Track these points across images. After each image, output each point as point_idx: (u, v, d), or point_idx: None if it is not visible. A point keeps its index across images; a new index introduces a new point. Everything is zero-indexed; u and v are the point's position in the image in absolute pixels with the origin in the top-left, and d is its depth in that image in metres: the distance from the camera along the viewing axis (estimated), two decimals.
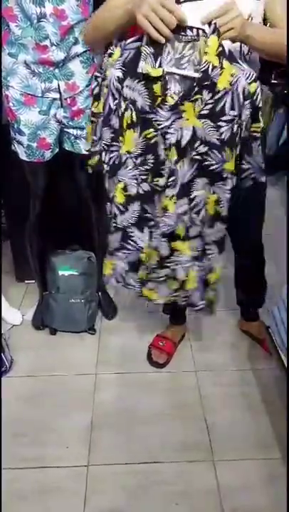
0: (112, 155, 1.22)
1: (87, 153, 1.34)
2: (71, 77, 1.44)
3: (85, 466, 1.37)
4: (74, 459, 1.39)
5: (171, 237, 1.26)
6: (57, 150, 1.58)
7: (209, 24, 1.01)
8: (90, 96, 1.25)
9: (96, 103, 1.21)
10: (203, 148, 1.14)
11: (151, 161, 1.17)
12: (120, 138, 1.18)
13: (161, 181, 1.18)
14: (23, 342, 1.86)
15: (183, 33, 1.06)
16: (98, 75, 1.18)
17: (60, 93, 1.46)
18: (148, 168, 1.18)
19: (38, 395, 1.61)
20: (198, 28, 1.04)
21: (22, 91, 1.44)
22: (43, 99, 1.46)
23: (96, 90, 1.20)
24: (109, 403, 1.59)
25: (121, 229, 1.28)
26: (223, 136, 1.12)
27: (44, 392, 1.63)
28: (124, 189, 1.22)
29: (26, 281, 2.18)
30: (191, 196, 1.20)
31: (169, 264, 1.30)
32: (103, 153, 1.24)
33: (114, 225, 1.29)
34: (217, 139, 1.12)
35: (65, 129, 1.55)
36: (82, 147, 1.55)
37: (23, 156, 1.57)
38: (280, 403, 1.53)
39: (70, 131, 1.55)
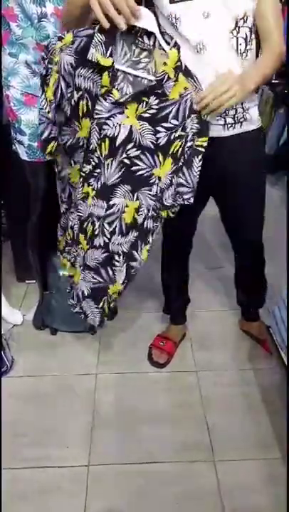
0: (63, 137, 1.21)
1: None
2: None
3: (85, 466, 1.37)
4: (74, 459, 1.39)
5: (81, 226, 1.27)
6: None
7: (168, 41, 1.05)
8: None
9: (44, 86, 1.15)
10: (134, 152, 1.14)
11: (86, 147, 1.17)
12: (76, 124, 1.17)
13: (87, 168, 1.19)
14: (24, 342, 1.86)
15: (140, 39, 1.07)
16: (44, 56, 1.11)
17: None
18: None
19: (38, 395, 1.61)
20: (156, 38, 1.05)
21: (23, 91, 1.44)
22: None
23: (43, 72, 1.13)
24: (110, 403, 1.59)
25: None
26: (159, 141, 1.12)
27: (44, 392, 1.63)
28: (80, 170, 1.23)
29: (27, 281, 2.19)
30: (110, 203, 1.20)
31: (67, 250, 1.36)
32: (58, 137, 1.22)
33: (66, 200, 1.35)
34: (152, 143, 1.12)
35: None
36: None
37: (24, 156, 1.57)
38: (280, 403, 1.53)
39: None
